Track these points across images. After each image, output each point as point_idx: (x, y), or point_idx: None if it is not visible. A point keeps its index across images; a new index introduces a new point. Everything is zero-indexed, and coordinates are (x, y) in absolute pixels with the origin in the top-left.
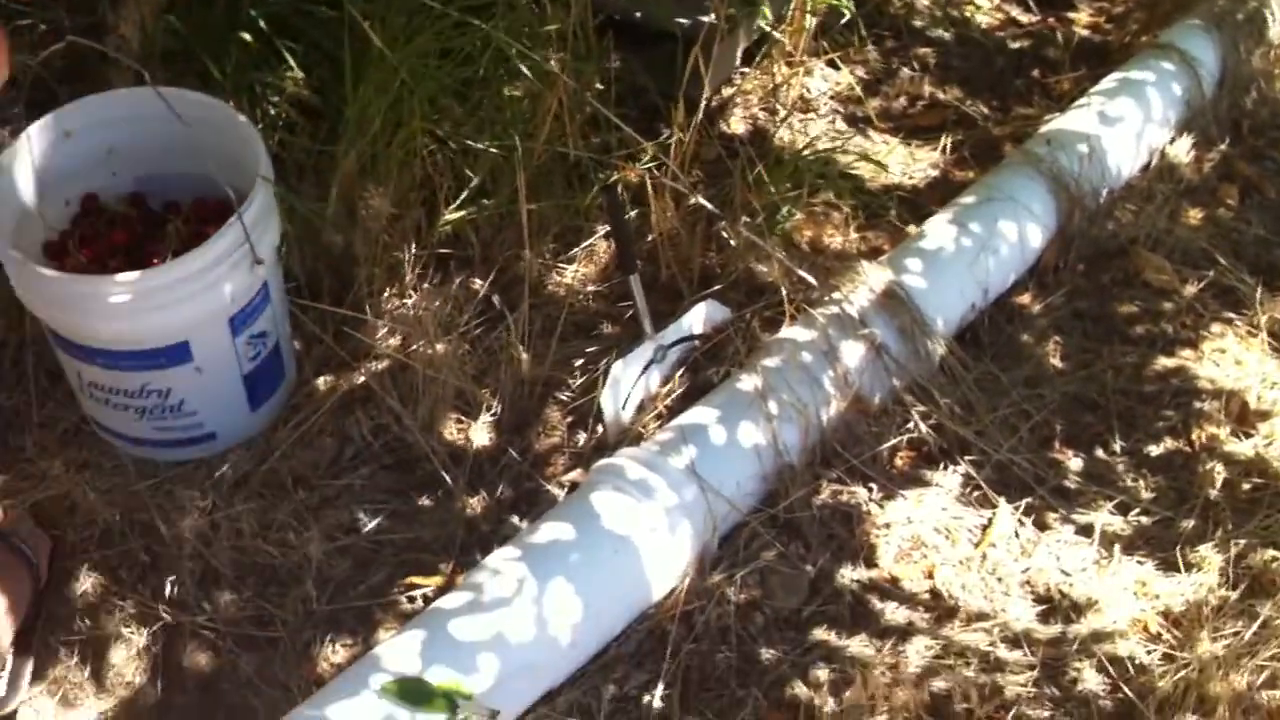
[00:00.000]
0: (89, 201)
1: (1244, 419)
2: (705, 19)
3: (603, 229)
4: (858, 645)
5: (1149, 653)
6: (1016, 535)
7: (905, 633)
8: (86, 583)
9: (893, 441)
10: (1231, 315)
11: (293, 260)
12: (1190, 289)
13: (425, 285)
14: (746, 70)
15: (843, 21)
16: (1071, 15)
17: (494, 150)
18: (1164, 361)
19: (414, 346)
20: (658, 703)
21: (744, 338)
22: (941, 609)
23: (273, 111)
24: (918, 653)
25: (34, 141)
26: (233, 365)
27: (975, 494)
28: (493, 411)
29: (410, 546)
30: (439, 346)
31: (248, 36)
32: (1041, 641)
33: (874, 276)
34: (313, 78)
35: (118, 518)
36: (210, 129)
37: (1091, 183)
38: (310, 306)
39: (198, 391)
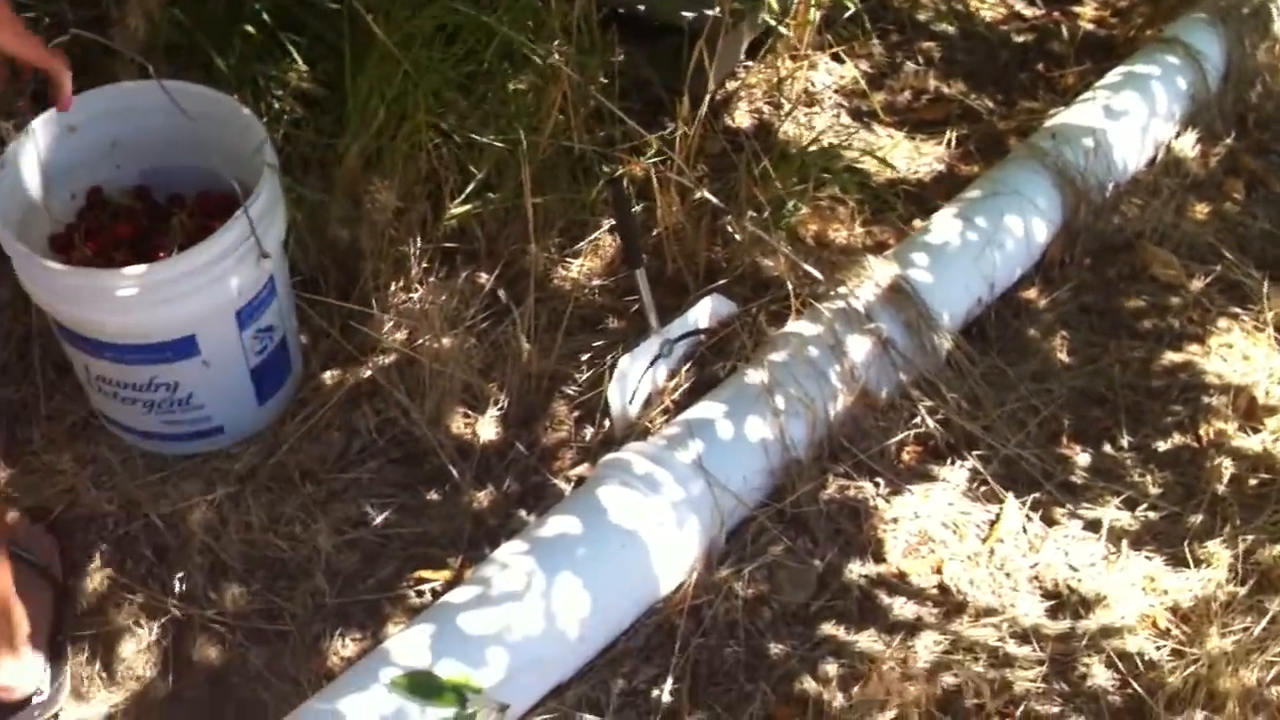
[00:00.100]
0: (94, 195)
1: (1251, 414)
2: (710, 12)
3: (608, 223)
4: (866, 640)
5: (1158, 648)
6: (1024, 530)
7: (914, 628)
8: (95, 577)
9: (900, 436)
10: (1238, 310)
11: (298, 254)
12: (1197, 283)
13: (431, 279)
14: (751, 64)
15: (847, 15)
16: (1076, 9)
17: (499, 144)
18: (1171, 356)
19: (420, 340)
20: (666, 697)
21: (750, 332)
22: (950, 604)
23: (277, 105)
24: (926, 648)
25: (39, 135)
26: (240, 359)
27: (983, 489)
28: (499, 406)
29: (418, 540)
30: (445, 340)
31: (251, 29)
32: (1050, 637)
33: (880, 271)
34: (317, 71)
35: (126, 511)
36: (214, 122)
37: (1097, 177)
38: (317, 300)
39: (205, 385)
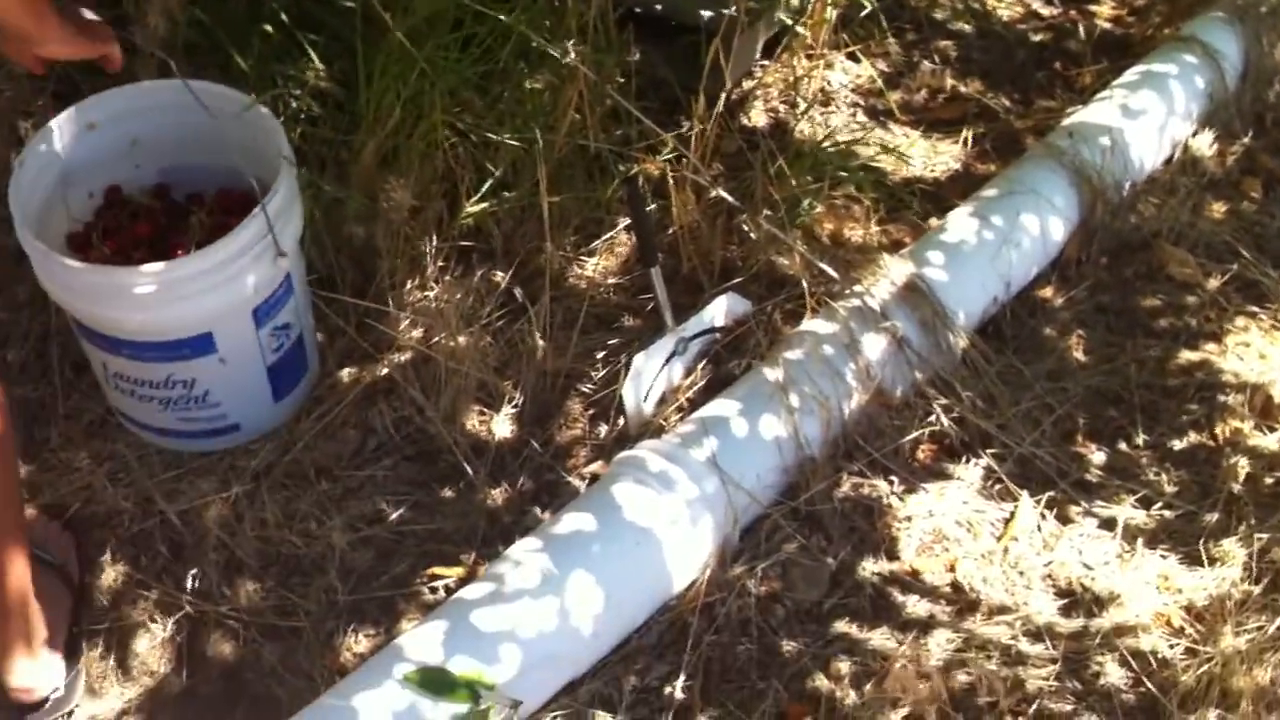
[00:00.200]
0: (113, 193)
1: (1268, 413)
2: (726, 11)
3: (623, 222)
4: (879, 638)
5: (1171, 647)
6: (1039, 529)
7: (927, 626)
8: (111, 573)
9: (914, 434)
10: (1255, 309)
11: (315, 253)
12: (1213, 282)
13: (447, 277)
14: (767, 63)
15: (863, 14)
16: (1093, 8)
17: (515, 143)
18: (1187, 355)
19: (436, 339)
20: (679, 694)
21: (765, 330)
22: (963, 602)
23: (294, 104)
24: (939, 646)
25: (58, 134)
26: (256, 357)
27: (997, 487)
28: (514, 403)
29: (432, 537)
30: (461, 339)
31: (269, 28)
32: (1063, 635)
33: (895, 269)
34: (334, 69)
35: (142, 508)
36: (233, 121)
37: (1114, 176)
38: (333, 298)
39: (222, 383)
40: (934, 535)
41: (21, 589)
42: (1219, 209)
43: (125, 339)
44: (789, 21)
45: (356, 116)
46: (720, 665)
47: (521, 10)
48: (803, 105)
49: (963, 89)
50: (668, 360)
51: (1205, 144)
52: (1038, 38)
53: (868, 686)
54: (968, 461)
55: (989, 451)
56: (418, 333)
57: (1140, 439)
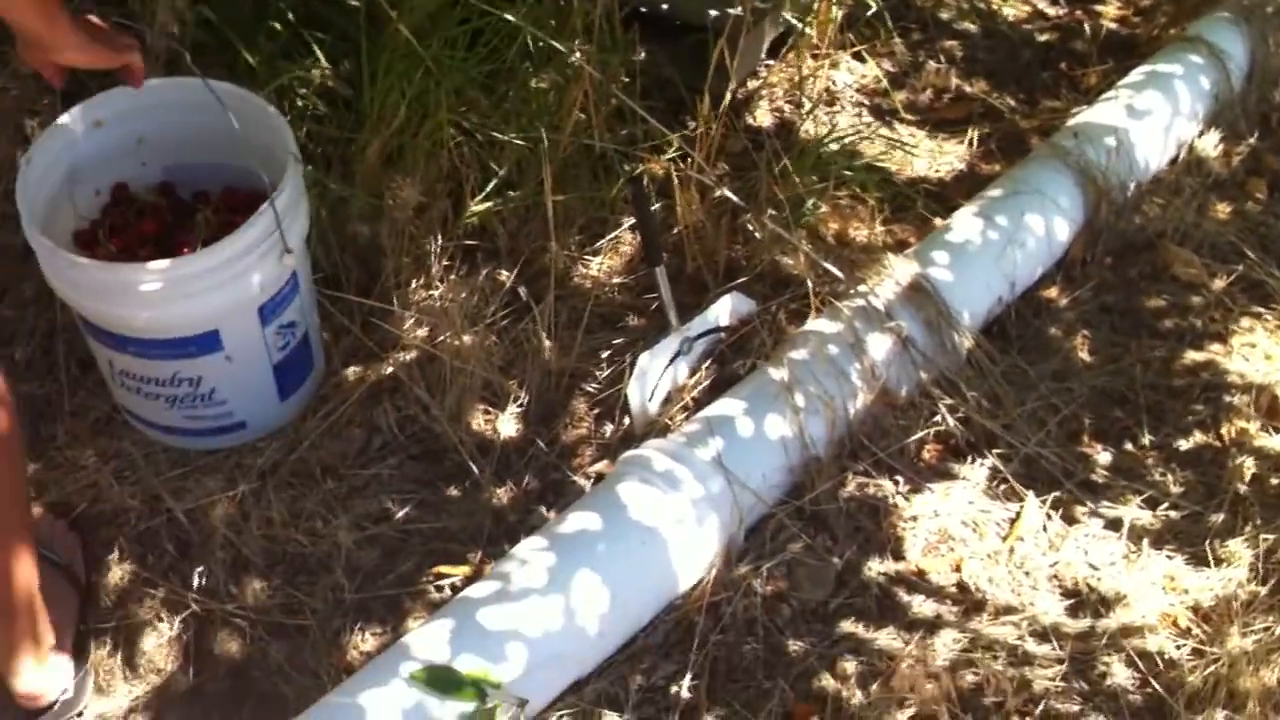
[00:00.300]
0: (119, 191)
1: (1273, 413)
2: (732, 11)
3: (628, 221)
4: (885, 638)
5: (1178, 647)
6: (1044, 529)
7: (933, 626)
8: (118, 571)
9: (920, 434)
10: (1260, 309)
11: (320, 251)
12: (1219, 283)
13: (452, 276)
14: (772, 63)
15: (869, 13)
16: (1099, 8)
17: (520, 142)
18: (1193, 355)
19: (441, 337)
20: (685, 693)
21: (770, 330)
22: (969, 602)
23: (300, 103)
24: (945, 646)
25: (65, 131)
26: (262, 355)
27: (1003, 487)
28: (519, 403)
29: (438, 536)
30: (466, 338)
31: (277, 25)
32: (1070, 635)
33: (900, 269)
34: (340, 68)
35: (148, 507)
36: (240, 119)
37: (1119, 176)
38: (338, 297)
39: (228, 380)
40: (940, 535)
41: (29, 589)
42: (1224, 209)
43: (131, 336)
44: (795, 21)
45: (362, 115)
46: (726, 665)
47: (527, 9)
48: (808, 105)
49: (968, 89)
50: (673, 360)
51: (1210, 144)
52: (1043, 38)
53: (874, 686)
54: (973, 461)
55: (994, 451)
56: (422, 332)
57: (1146, 439)
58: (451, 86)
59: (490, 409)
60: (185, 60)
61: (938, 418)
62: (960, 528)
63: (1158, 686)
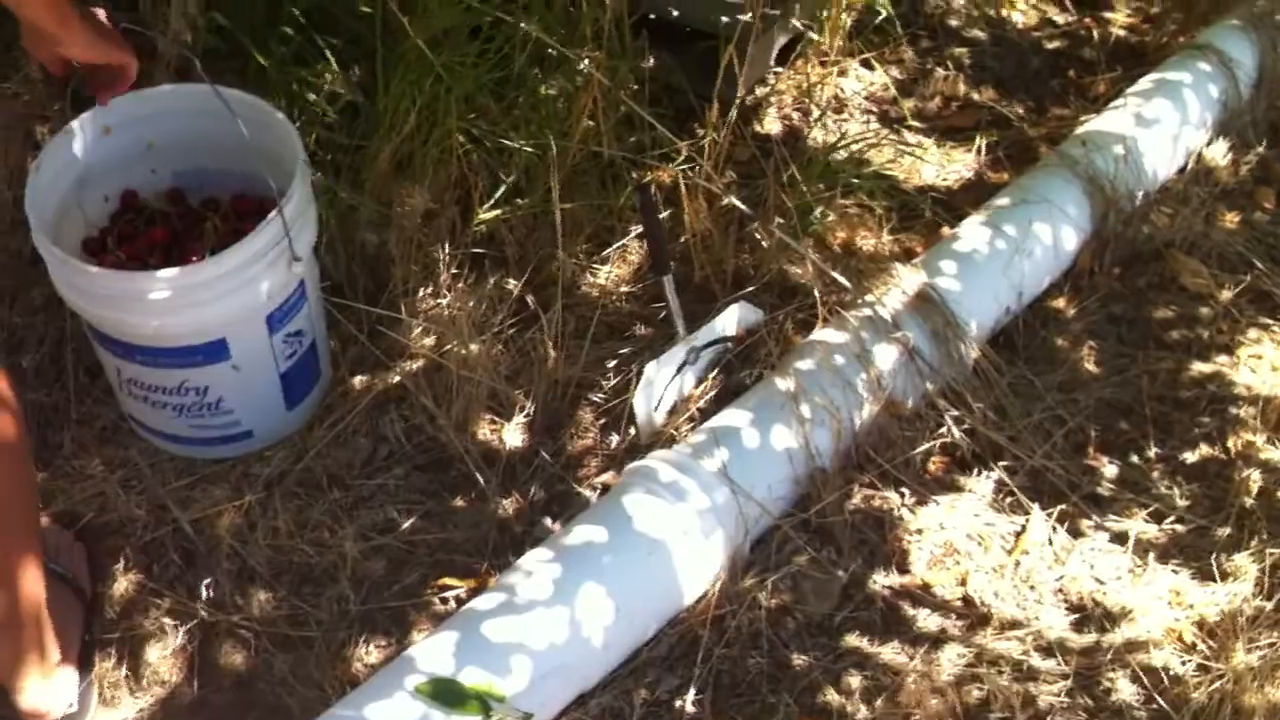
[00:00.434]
0: (128, 198)
1: None
2: (741, 18)
3: (636, 230)
4: (890, 652)
5: (1183, 663)
6: (1050, 542)
7: (938, 640)
8: (123, 581)
9: (925, 446)
10: (1269, 320)
11: (328, 260)
12: (1227, 293)
13: (460, 285)
14: (781, 70)
15: (878, 20)
16: (1108, 15)
17: (529, 150)
18: (1200, 367)
19: (448, 346)
20: (689, 708)
21: (777, 340)
22: (974, 616)
23: (312, 107)
24: (950, 660)
25: (74, 138)
26: (269, 363)
27: (1008, 500)
28: (525, 412)
29: (444, 547)
30: (473, 347)
31: (289, 30)
32: (1075, 650)
33: (907, 279)
34: (350, 74)
35: (154, 516)
36: (250, 126)
37: (1127, 185)
38: (346, 305)
39: (235, 389)
40: (945, 548)
41: (36, 600)
42: (1232, 219)
43: (139, 344)
44: (804, 28)
45: (374, 121)
46: (731, 679)
47: (538, 17)
48: (816, 112)
49: (976, 96)
50: (679, 369)
51: (1219, 153)
52: (1052, 45)
53: (879, 701)
54: (979, 474)
55: (1000, 464)
56: (430, 340)
57: (1152, 452)
58: (461, 93)
59: (496, 419)
60: (196, 67)
61: (944, 429)
62: (966, 541)
63: (1163, 703)
